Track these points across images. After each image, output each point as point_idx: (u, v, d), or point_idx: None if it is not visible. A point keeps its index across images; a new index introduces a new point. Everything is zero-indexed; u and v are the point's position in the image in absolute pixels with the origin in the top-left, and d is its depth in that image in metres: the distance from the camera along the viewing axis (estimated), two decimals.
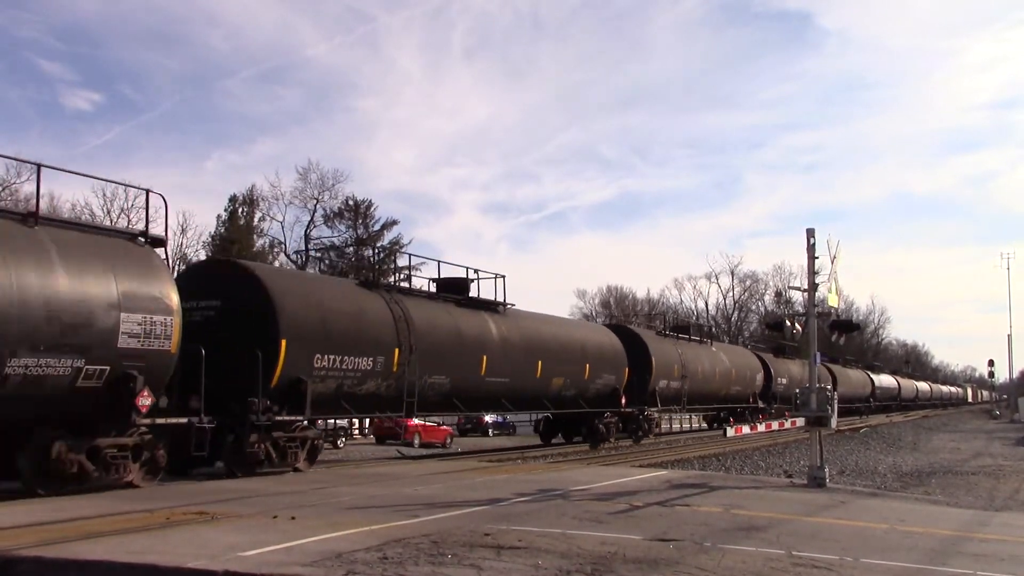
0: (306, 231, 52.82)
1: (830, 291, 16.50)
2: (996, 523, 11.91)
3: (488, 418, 40.64)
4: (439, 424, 33.46)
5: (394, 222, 58.60)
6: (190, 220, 56.05)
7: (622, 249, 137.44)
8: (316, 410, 16.82)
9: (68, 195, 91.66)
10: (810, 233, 15.60)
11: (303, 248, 51.73)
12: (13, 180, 44.12)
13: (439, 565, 6.97)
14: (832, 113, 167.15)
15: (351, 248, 55.34)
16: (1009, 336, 73.89)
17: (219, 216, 54.74)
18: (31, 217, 12.37)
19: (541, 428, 30.63)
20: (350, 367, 17.44)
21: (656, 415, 33.05)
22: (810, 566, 7.42)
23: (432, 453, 28.78)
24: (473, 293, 22.97)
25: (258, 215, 54.78)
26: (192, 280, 16.45)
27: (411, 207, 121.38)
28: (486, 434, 41.57)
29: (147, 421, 13.05)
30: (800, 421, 22.02)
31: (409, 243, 58.33)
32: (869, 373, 68.88)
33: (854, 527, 10.39)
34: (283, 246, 52.73)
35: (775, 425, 36.74)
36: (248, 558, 7.10)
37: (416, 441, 31.74)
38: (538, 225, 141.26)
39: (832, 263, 15.95)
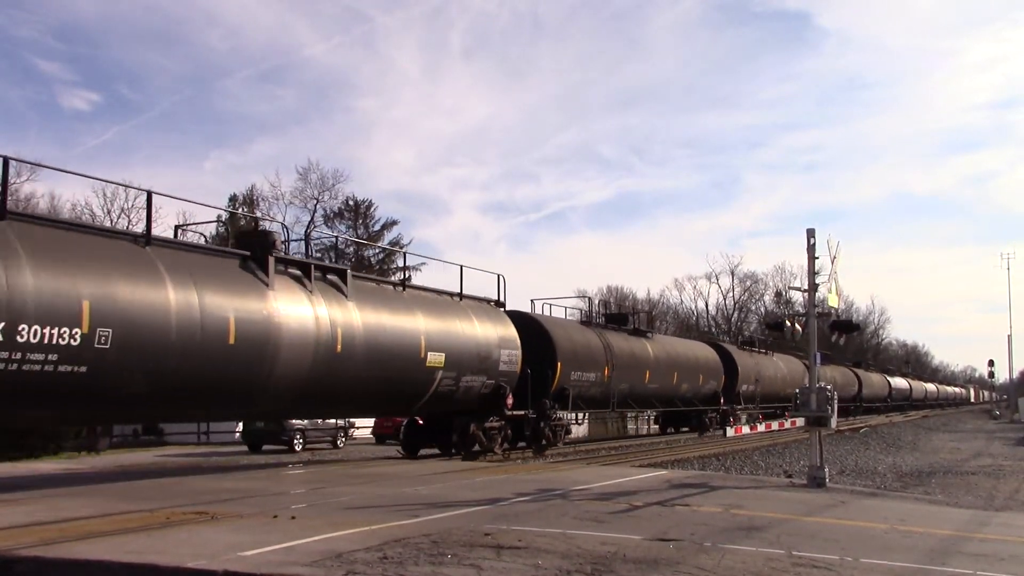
0: (306, 231, 52.85)
1: (830, 291, 16.49)
2: (996, 523, 11.90)
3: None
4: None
5: (394, 222, 58.66)
6: (189, 220, 56.11)
7: (621, 249, 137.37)
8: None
9: (68, 195, 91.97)
10: (810, 233, 15.60)
11: (303, 249, 51.76)
12: (13, 180, 44.11)
13: (439, 565, 6.97)
14: (831, 113, 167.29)
15: (351, 248, 55.38)
16: (1009, 336, 74.02)
17: (219, 216, 54.75)
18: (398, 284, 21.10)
19: (660, 421, 41.39)
20: (584, 379, 26.98)
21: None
22: (810, 566, 7.42)
23: (432, 453, 28.75)
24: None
25: (258, 215, 54.75)
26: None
27: (410, 207, 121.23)
28: None
29: (508, 413, 22.59)
30: (800, 421, 22.01)
31: (409, 243, 58.36)
32: (887, 376, 78.25)
33: (854, 527, 10.39)
34: (283, 246, 52.78)
35: (775, 425, 36.76)
36: (248, 558, 7.10)
37: None
38: (537, 225, 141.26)
39: (832, 263, 15.96)
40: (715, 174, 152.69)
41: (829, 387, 15.53)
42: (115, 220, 46.33)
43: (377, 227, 57.56)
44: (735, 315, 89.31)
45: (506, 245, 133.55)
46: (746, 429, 34.85)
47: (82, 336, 11.85)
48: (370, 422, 33.51)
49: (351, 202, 56.09)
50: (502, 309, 23.90)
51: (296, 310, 16.27)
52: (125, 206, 46.59)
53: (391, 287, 20.54)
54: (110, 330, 12.22)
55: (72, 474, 17.42)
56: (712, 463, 23.14)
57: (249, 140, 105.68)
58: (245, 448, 28.38)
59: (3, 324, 10.92)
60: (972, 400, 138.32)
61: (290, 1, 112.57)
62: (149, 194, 15.03)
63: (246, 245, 16.74)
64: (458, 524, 9.22)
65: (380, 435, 32.94)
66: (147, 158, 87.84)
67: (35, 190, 46.98)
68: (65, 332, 11.66)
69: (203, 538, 8.14)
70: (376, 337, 18.11)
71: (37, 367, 11.35)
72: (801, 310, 17.03)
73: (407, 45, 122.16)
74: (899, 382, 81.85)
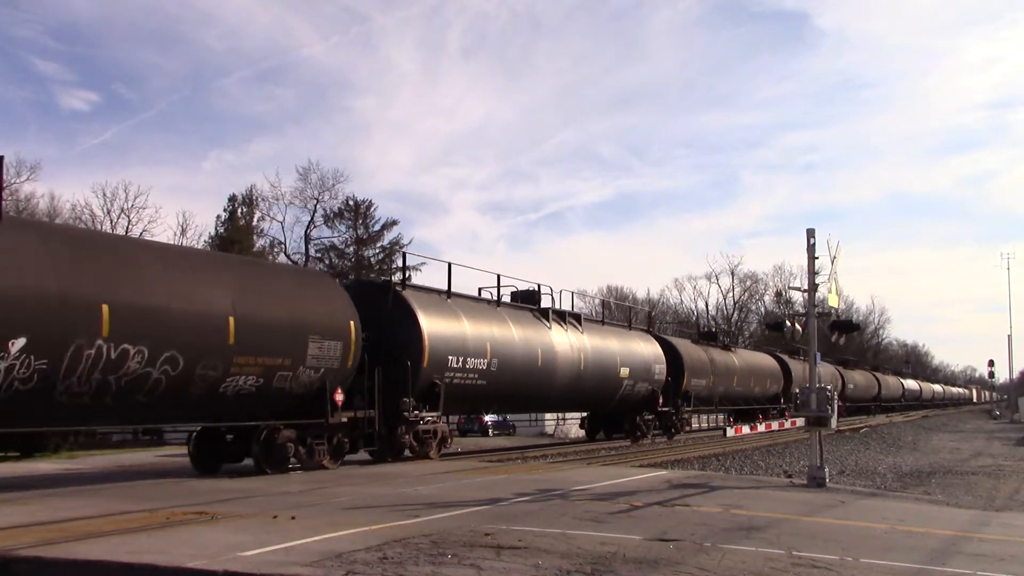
0: (306, 231, 52.84)
1: (830, 291, 16.49)
2: (996, 523, 11.90)
3: (488, 418, 40.62)
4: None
5: (394, 222, 58.47)
6: (190, 220, 56.14)
7: (620, 249, 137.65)
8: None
9: (68, 195, 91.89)
10: (810, 233, 15.60)
11: (303, 248, 51.80)
12: (13, 180, 44.11)
13: (439, 565, 6.97)
14: (829, 113, 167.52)
15: (351, 248, 55.33)
16: (1009, 336, 74.10)
17: (219, 216, 54.69)
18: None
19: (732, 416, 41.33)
20: (698, 384, 33.38)
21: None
22: (810, 566, 7.41)
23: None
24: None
25: (258, 215, 54.78)
26: None
27: (408, 207, 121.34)
28: (486, 434, 41.55)
29: (659, 410, 29.75)
30: (800, 421, 22.00)
31: (409, 243, 58.28)
32: (900, 379, 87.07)
33: (854, 527, 10.38)
34: (283, 246, 52.72)
35: (775, 425, 36.75)
36: (248, 558, 7.10)
37: None
38: (536, 225, 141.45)
39: (832, 263, 15.95)
40: (714, 174, 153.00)
41: (829, 387, 15.53)
42: (115, 221, 46.29)
43: (377, 227, 57.45)
44: (735, 315, 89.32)
45: (505, 245, 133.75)
46: (746, 429, 34.85)
47: (487, 363, 21.30)
48: None
49: (351, 202, 55.97)
50: (649, 334, 33.71)
51: (562, 341, 25.29)
52: (125, 206, 46.56)
53: (599, 323, 30.51)
54: (497, 359, 21.68)
55: (72, 474, 17.41)
56: (712, 463, 23.13)
57: (247, 140, 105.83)
58: None
59: (462, 357, 20.38)
60: (974, 400, 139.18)
61: (288, 1, 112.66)
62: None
63: (528, 300, 25.87)
64: (458, 524, 9.21)
65: None
66: (145, 158, 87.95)
67: (35, 190, 47.00)
68: (483, 361, 21.25)
69: (203, 538, 8.14)
70: (597, 357, 27.07)
71: (471, 381, 20.92)
72: (801, 310, 17.03)
73: (405, 45, 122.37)
74: (911, 384, 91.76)
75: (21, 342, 11.41)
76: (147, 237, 40.28)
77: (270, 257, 50.66)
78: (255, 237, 53.93)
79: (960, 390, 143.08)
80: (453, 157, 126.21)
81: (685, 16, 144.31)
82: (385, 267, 55.23)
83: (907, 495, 16.22)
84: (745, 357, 42.16)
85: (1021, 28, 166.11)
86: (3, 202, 11.96)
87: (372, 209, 57.19)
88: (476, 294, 24.38)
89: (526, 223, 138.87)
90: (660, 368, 31.33)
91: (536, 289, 26.06)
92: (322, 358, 16.48)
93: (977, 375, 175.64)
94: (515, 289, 26.20)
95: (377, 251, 56.80)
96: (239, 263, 19.87)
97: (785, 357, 46.51)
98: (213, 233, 52.38)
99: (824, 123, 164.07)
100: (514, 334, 22.94)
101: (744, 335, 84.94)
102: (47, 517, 9.64)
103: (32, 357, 11.56)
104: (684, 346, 35.16)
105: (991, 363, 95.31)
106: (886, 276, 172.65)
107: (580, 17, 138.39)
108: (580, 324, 27.13)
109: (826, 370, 56.60)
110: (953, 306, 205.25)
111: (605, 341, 28.28)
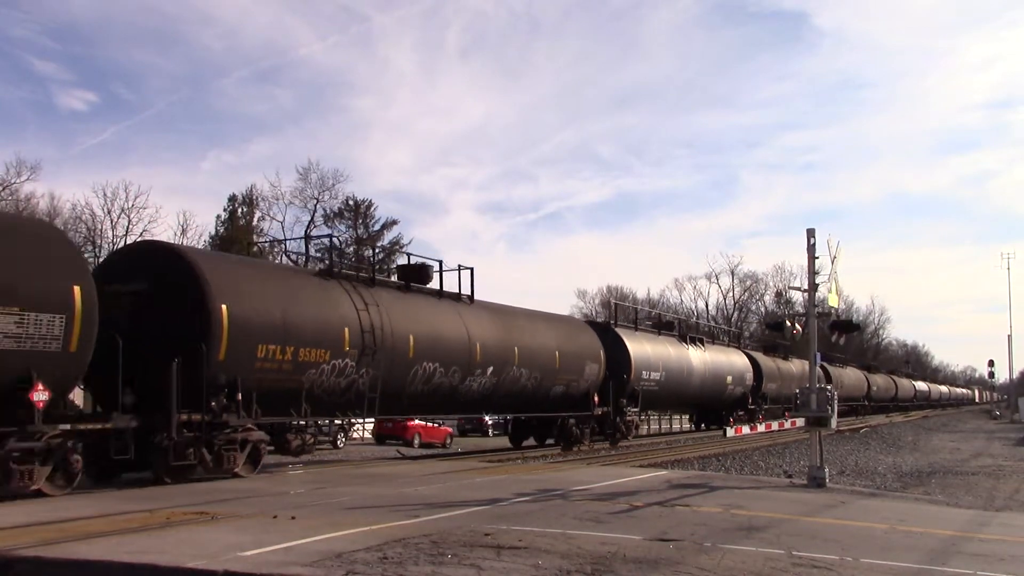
0: (306, 231, 52.82)
1: (830, 291, 16.49)
2: (996, 523, 11.91)
3: (488, 418, 40.63)
4: (439, 424, 33.65)
5: (394, 222, 58.64)
6: (190, 220, 56.11)
7: (620, 249, 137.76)
8: None
9: (68, 195, 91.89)
10: (810, 233, 15.60)
11: (303, 248, 51.69)
12: (13, 180, 44.11)
13: (439, 565, 6.97)
14: (829, 113, 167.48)
15: (351, 248, 55.33)
16: (1009, 336, 74.06)
17: (218, 216, 54.75)
18: None
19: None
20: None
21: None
22: (810, 566, 7.41)
23: (432, 453, 28.79)
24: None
25: (258, 215, 54.80)
26: None
27: (408, 207, 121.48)
28: (486, 434, 41.56)
29: (750, 407, 41.11)
30: (800, 421, 22.02)
31: (409, 243, 58.31)
32: (913, 381, 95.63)
33: (854, 527, 10.38)
34: (283, 246, 52.75)
35: (775, 425, 36.75)
36: (248, 558, 7.10)
37: (416, 441, 31.73)
38: (535, 225, 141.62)
39: (832, 263, 15.96)
40: (713, 174, 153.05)
41: (829, 388, 15.53)
42: (115, 221, 46.31)
43: (377, 227, 57.60)
44: (735, 315, 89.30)
45: (505, 245, 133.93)
46: (746, 429, 34.85)
47: (660, 375, 30.73)
48: (370, 423, 33.50)
49: (351, 202, 56.10)
50: (739, 349, 42.21)
51: (697, 357, 34.71)
52: (125, 206, 46.58)
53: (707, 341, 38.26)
54: (665, 373, 30.93)
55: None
56: (712, 463, 23.13)
57: (246, 140, 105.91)
58: None
59: (647, 371, 29.13)
60: (976, 400, 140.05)
61: (286, 0, 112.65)
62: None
63: (668, 327, 35.78)
64: (458, 524, 9.21)
65: (380, 435, 32.93)
66: (145, 158, 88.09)
67: (35, 190, 47.00)
68: (658, 374, 30.69)
69: (203, 538, 8.13)
70: (710, 368, 35.73)
71: (650, 388, 30.15)
72: (801, 310, 17.02)
73: (404, 45, 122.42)
74: (921, 385, 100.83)
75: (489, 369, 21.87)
76: (147, 237, 40.32)
77: (270, 257, 50.57)
78: (255, 237, 53.95)
79: (964, 390, 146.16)
80: (452, 157, 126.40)
81: (684, 16, 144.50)
82: (385, 267, 55.23)
83: (907, 495, 16.22)
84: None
85: (1021, 28, 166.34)
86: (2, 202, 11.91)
87: (372, 209, 57.31)
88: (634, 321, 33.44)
89: (525, 223, 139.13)
90: (744, 375, 34.74)
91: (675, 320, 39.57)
92: (589, 376, 26.49)
93: (977, 375, 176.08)
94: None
95: (377, 251, 56.86)
96: (559, 321, 28.40)
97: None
98: (213, 233, 52.38)
99: (824, 123, 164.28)
100: (670, 352, 32.55)
101: (744, 335, 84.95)
102: (47, 517, 9.64)
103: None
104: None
105: (991, 363, 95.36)
106: (886, 276, 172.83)
107: (579, 17, 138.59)
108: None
109: (854, 374, 63.60)
110: (953, 306, 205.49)
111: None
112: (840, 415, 62.20)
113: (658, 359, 31.15)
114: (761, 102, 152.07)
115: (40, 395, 11.94)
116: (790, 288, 19.50)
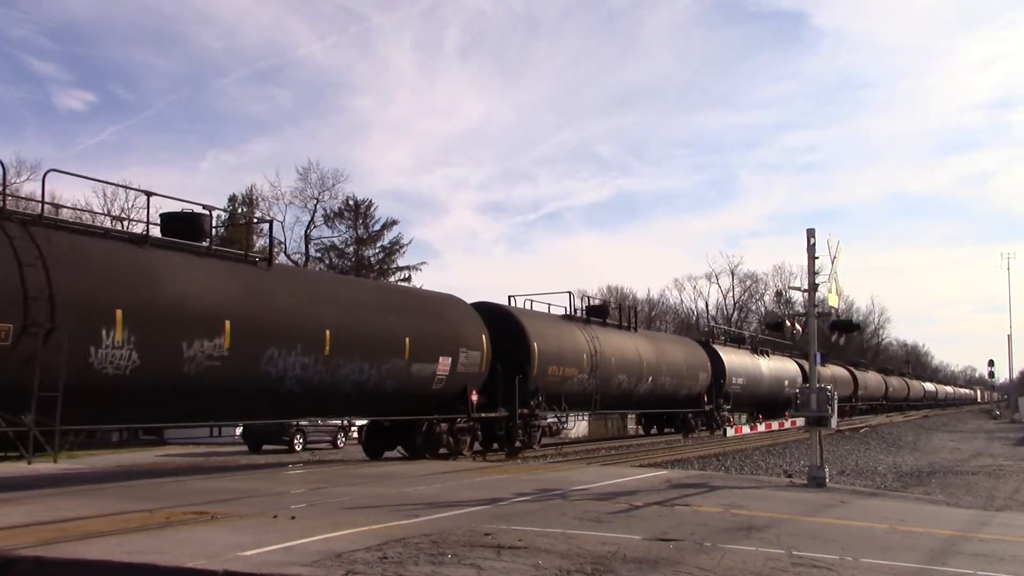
0: (306, 231, 52.83)
1: (830, 291, 16.49)
2: (996, 523, 11.90)
3: None
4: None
5: (394, 222, 58.48)
6: None
7: (620, 249, 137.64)
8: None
9: (68, 195, 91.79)
10: (810, 233, 15.60)
11: (303, 248, 51.79)
12: (13, 180, 44.09)
13: (439, 565, 6.97)
14: (828, 113, 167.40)
15: (351, 248, 55.32)
16: (1009, 336, 74.15)
17: (219, 216, 54.67)
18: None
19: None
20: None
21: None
22: (810, 566, 7.41)
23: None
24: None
25: (258, 215, 54.72)
26: None
27: (407, 207, 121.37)
28: None
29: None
30: (800, 421, 22.01)
31: (409, 243, 58.30)
32: (923, 382, 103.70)
33: (854, 527, 10.38)
34: (283, 246, 52.74)
35: (775, 425, 36.77)
36: (248, 558, 7.10)
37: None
38: (535, 225, 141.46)
39: (832, 263, 15.96)
40: (712, 174, 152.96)
41: (830, 388, 15.53)
42: (115, 221, 46.30)
43: (377, 227, 57.46)
44: (735, 315, 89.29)
45: (504, 245, 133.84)
46: (746, 429, 34.85)
47: (743, 380, 38.70)
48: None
49: (351, 202, 55.99)
50: (790, 357, 46.01)
51: (764, 365, 42.36)
52: (125, 206, 46.57)
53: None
54: (744, 377, 39.13)
55: (72, 474, 17.40)
56: (712, 463, 23.13)
57: (245, 140, 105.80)
58: (245, 448, 28.38)
59: (735, 377, 37.40)
60: (979, 400, 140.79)
61: (286, 1, 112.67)
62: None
63: (740, 340, 42.42)
64: (458, 524, 9.21)
65: None
66: (144, 158, 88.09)
67: (35, 190, 46.97)
68: (741, 379, 38.84)
69: (203, 538, 8.13)
70: (773, 374, 42.25)
71: (736, 391, 38.17)
72: (801, 310, 17.02)
73: (403, 45, 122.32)
74: (929, 386, 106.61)
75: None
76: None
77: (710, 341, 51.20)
78: (255, 237, 53.97)
79: (967, 391, 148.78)
80: (451, 157, 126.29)
81: (683, 16, 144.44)
82: (386, 267, 55.29)
83: (907, 495, 16.22)
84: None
85: (1020, 28, 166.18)
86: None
87: (372, 209, 57.24)
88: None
89: (525, 223, 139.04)
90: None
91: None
92: (702, 381, 35.06)
93: (977, 375, 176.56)
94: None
95: (377, 251, 56.88)
96: (681, 342, 35.56)
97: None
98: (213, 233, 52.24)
99: (823, 123, 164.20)
100: (746, 361, 40.10)
101: (744, 335, 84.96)
102: (47, 517, 9.63)
103: None
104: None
105: (991, 363, 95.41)
106: (886, 276, 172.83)
107: (578, 16, 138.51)
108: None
109: (874, 378, 68.26)
110: (953, 306, 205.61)
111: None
112: (927, 407, 68.33)
113: (742, 368, 38.98)
114: (761, 102, 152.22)
115: (475, 396, 21.22)
116: (790, 288, 19.52)
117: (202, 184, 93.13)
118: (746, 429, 34.77)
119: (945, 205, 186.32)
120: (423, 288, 27.13)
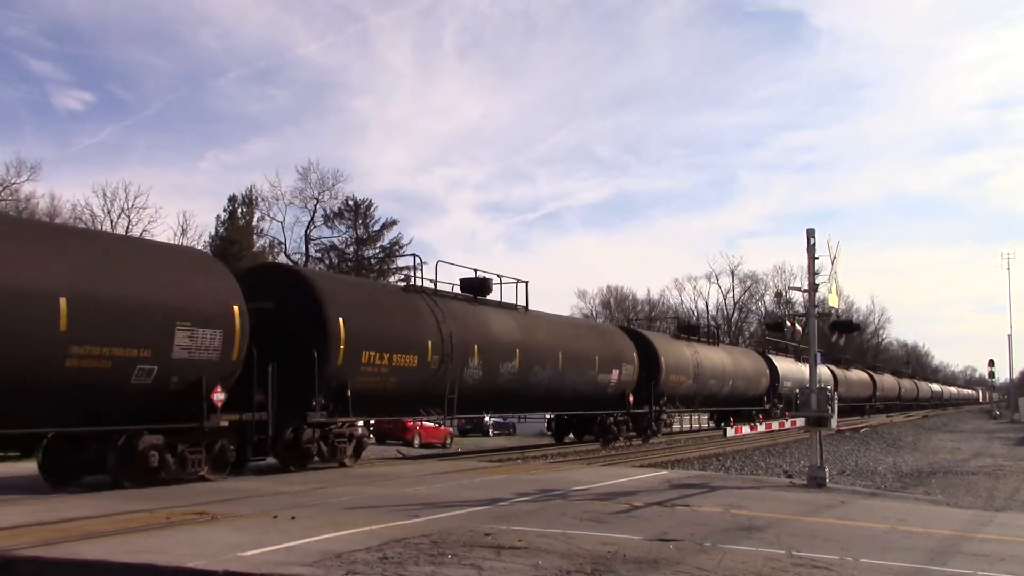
0: (306, 231, 52.80)
1: (830, 291, 16.49)
2: (996, 523, 11.90)
3: (488, 418, 40.65)
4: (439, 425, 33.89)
5: (394, 222, 58.54)
6: (190, 220, 56.17)
7: (619, 249, 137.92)
8: None
9: (68, 195, 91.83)
10: (810, 233, 15.60)
11: (303, 249, 51.78)
12: (13, 180, 44.14)
13: (439, 565, 6.97)
14: (827, 112, 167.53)
15: (351, 248, 55.33)
16: (1009, 336, 74.16)
17: (218, 216, 54.73)
18: None
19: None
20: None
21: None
22: (810, 566, 7.42)
23: (432, 453, 28.78)
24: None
25: (257, 215, 54.77)
26: None
27: (406, 207, 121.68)
28: (486, 434, 41.58)
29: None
30: (800, 421, 22.01)
31: (409, 243, 58.29)
32: (930, 383, 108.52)
33: (854, 527, 10.39)
34: (283, 246, 52.70)
35: (775, 425, 36.78)
36: (248, 558, 7.10)
37: (416, 441, 31.73)
38: (533, 225, 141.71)
39: (832, 263, 15.96)
40: (711, 174, 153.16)
41: (829, 387, 15.53)
42: (115, 221, 46.32)
43: (377, 227, 57.52)
44: (735, 315, 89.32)
45: (503, 245, 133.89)
46: (746, 429, 34.86)
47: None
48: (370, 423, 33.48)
49: (351, 202, 56.00)
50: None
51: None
52: (125, 206, 46.62)
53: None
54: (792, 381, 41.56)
55: None
56: (712, 463, 23.14)
57: (244, 140, 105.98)
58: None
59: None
60: (980, 400, 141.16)
61: (283, 0, 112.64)
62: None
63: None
64: (458, 524, 9.21)
65: (380, 435, 32.92)
66: (143, 158, 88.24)
67: (35, 190, 47.03)
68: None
69: (203, 538, 8.13)
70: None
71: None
72: (801, 310, 17.03)
73: (400, 45, 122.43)
74: (935, 387, 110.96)
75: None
76: (147, 237, 40.33)
77: (270, 257, 50.65)
78: (255, 237, 54.00)
79: (969, 391, 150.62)
80: (450, 157, 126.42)
81: (681, 15, 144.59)
82: (386, 267, 55.26)
83: (907, 495, 16.22)
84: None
85: (1019, 27, 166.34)
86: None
87: (372, 209, 57.26)
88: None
89: (523, 223, 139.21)
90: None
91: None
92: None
93: (977, 375, 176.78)
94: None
95: (377, 251, 56.87)
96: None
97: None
98: (213, 233, 52.38)
99: (822, 123, 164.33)
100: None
101: (744, 335, 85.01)
102: (47, 517, 9.63)
103: None
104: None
105: (991, 363, 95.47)
106: (886, 276, 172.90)
107: (575, 16, 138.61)
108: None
109: (888, 380, 70.02)
110: (953, 306, 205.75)
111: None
112: (935, 406, 69.47)
113: (790, 373, 42.03)
114: (759, 102, 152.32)
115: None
116: (790, 288, 19.54)
117: (201, 184, 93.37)
118: (746, 429, 34.77)
119: (944, 205, 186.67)
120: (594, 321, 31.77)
